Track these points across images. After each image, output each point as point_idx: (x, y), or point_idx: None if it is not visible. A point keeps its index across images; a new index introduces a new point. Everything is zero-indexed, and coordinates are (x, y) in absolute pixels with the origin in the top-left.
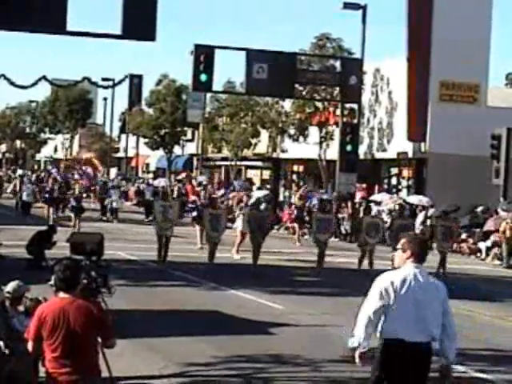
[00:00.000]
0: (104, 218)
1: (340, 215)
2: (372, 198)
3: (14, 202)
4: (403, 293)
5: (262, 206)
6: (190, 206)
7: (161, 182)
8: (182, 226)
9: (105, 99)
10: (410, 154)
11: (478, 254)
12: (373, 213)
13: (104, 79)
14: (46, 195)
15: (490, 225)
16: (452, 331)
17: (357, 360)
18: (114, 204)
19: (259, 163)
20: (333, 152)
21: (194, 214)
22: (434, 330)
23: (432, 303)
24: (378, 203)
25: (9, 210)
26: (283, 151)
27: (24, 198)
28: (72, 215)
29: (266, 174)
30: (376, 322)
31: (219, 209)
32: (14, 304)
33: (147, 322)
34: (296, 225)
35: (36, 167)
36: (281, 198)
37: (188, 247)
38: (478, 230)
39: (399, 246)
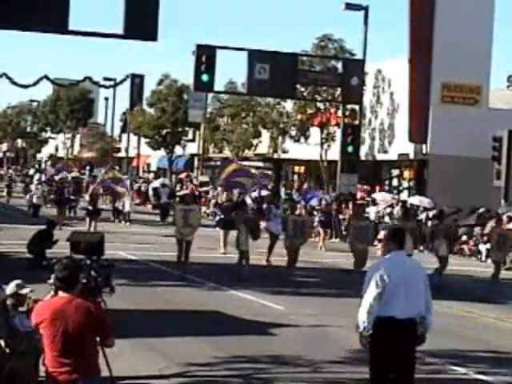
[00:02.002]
0: (112, 219)
1: (341, 216)
2: (373, 195)
3: (21, 204)
4: (394, 277)
5: (264, 206)
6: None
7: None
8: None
9: (106, 99)
10: (411, 156)
11: (479, 256)
12: (373, 214)
13: (105, 79)
14: (56, 197)
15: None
16: (431, 305)
17: (362, 343)
18: (127, 207)
19: (260, 164)
20: (334, 153)
21: (218, 218)
22: (421, 307)
23: (418, 283)
24: (375, 203)
25: (15, 210)
26: (284, 152)
27: (34, 200)
28: (87, 218)
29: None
30: (376, 308)
31: (300, 216)
32: (15, 304)
33: (148, 322)
34: (321, 229)
35: (37, 166)
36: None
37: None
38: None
39: (382, 237)
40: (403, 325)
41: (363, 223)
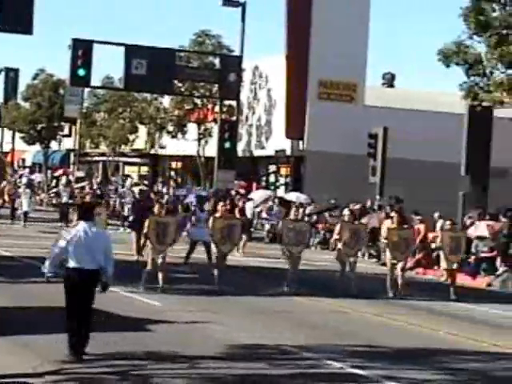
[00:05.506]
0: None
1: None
2: (250, 195)
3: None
4: (78, 238)
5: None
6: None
7: (37, 178)
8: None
9: None
10: (289, 152)
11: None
12: (249, 210)
13: None
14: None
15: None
16: (109, 259)
17: (45, 279)
18: (25, 207)
19: (137, 159)
20: (211, 149)
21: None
22: (100, 261)
23: (98, 244)
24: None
25: None
26: (161, 147)
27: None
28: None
29: (144, 170)
30: (61, 257)
31: (233, 218)
32: None
33: (23, 319)
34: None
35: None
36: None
37: None
38: None
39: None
40: (88, 273)
41: (298, 225)
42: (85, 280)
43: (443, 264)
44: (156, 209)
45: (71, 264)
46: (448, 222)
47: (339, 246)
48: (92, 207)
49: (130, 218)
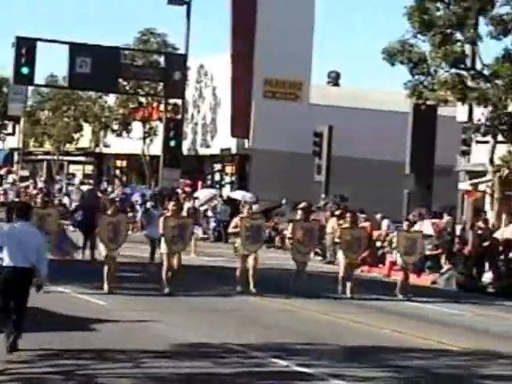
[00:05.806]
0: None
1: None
2: (195, 194)
3: None
4: (11, 237)
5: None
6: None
7: None
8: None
9: None
10: (234, 151)
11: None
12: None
13: None
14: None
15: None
16: (43, 259)
17: None
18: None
19: (82, 158)
20: (156, 147)
21: None
22: (32, 259)
23: (30, 243)
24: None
25: None
26: (106, 146)
27: None
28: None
29: (89, 168)
30: None
31: (184, 218)
32: None
33: None
34: None
35: None
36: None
37: None
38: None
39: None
40: (21, 271)
41: (255, 223)
42: (19, 278)
43: (399, 262)
44: (109, 208)
45: (5, 262)
46: (405, 223)
47: (289, 244)
48: (28, 207)
49: (78, 218)
